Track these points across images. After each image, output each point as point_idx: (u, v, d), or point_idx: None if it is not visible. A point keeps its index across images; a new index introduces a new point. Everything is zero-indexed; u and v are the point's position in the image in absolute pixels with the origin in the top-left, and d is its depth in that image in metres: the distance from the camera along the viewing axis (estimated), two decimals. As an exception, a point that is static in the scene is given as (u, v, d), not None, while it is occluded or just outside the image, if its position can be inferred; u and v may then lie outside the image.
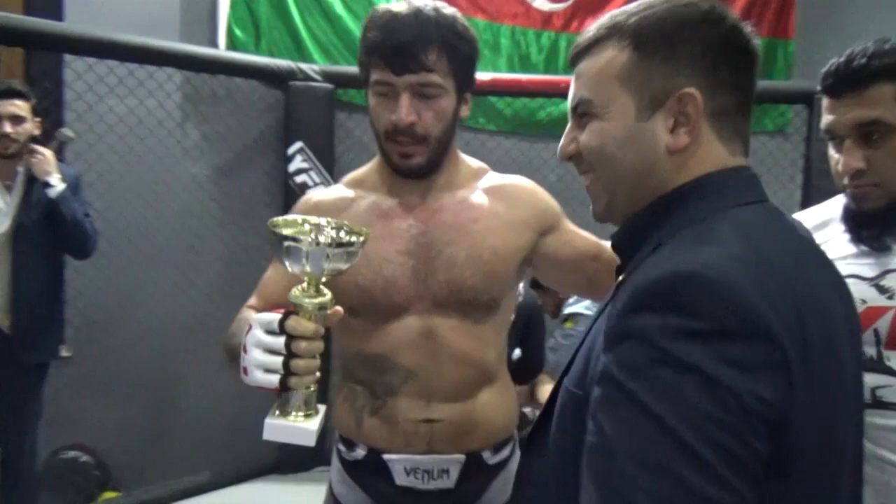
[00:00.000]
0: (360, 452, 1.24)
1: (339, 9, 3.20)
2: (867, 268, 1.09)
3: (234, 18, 3.12)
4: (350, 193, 1.25)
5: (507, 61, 3.46)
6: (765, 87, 3.66)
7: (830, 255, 0.85)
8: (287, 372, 0.92)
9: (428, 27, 1.09)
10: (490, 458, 1.24)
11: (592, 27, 0.81)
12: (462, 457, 1.20)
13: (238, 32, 3.14)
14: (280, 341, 0.92)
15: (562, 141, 0.84)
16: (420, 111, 1.11)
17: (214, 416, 3.04)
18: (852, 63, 1.05)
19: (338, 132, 3.14)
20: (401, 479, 1.20)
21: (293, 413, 0.96)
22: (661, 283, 0.64)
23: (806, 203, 2.93)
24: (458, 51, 1.12)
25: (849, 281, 0.81)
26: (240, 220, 3.15)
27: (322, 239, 0.96)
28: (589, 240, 1.30)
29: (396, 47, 1.08)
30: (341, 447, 1.27)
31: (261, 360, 0.93)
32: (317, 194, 1.30)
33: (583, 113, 0.80)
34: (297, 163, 3.05)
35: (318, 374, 0.96)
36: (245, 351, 0.95)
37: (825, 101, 1.10)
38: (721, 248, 0.66)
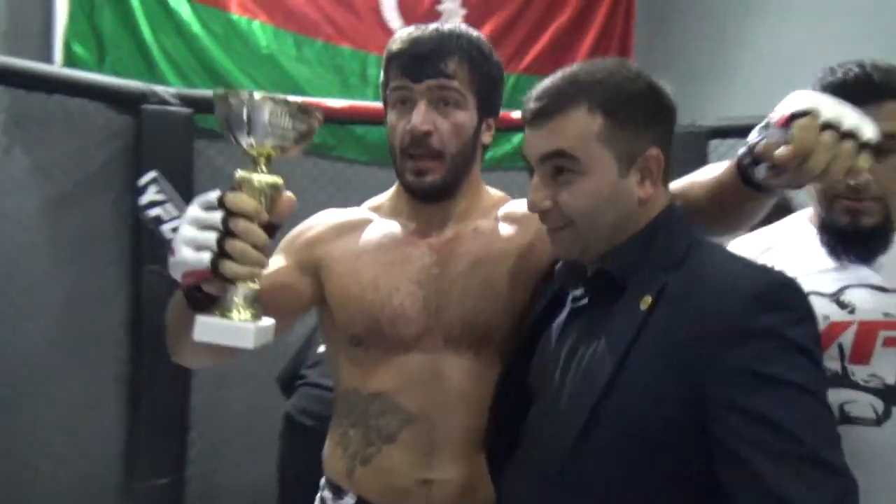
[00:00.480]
0: (348, 501, 1.13)
1: (196, 27, 2.96)
2: (827, 284, 1.12)
3: (72, 33, 2.77)
4: (368, 216, 1.19)
5: (374, 90, 3.39)
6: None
7: (803, 267, 1.11)
8: (221, 253, 0.80)
9: (450, 38, 1.08)
10: None
11: (549, 87, 0.93)
12: None
13: (77, 49, 2.79)
14: (216, 216, 0.81)
15: (534, 195, 0.94)
16: (437, 122, 1.07)
17: (53, 476, 2.64)
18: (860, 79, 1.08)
19: (197, 161, 2.89)
20: None
21: (231, 311, 0.84)
22: (770, 292, 0.83)
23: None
24: (481, 66, 1.10)
25: (810, 297, 0.89)
26: (79, 260, 2.80)
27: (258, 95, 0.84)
28: None
29: (416, 54, 1.06)
30: (327, 494, 1.16)
31: (191, 236, 0.82)
32: (335, 211, 1.23)
33: (562, 168, 0.91)
34: (150, 195, 2.73)
35: (262, 270, 0.84)
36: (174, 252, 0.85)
37: None
38: (752, 262, 0.94)
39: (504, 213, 1.20)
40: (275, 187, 0.86)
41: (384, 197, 1.23)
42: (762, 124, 0.92)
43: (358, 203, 1.91)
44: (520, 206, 1.19)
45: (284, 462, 2.17)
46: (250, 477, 3.12)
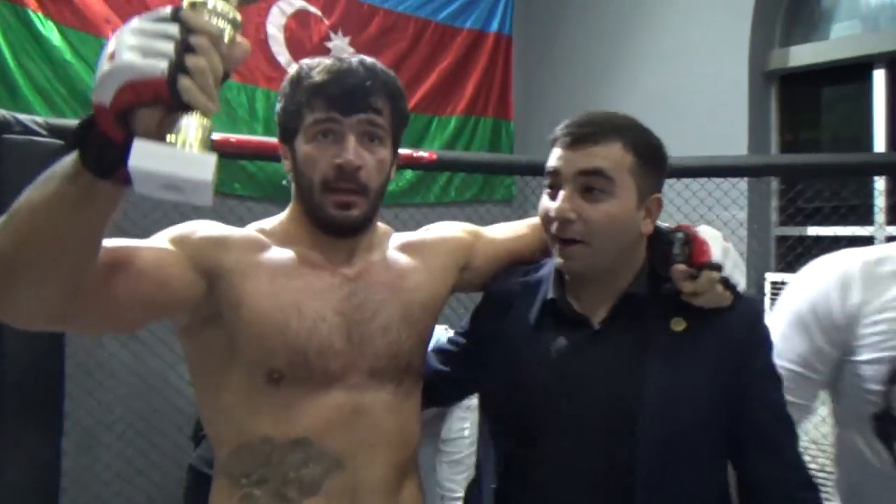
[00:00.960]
0: None
1: (67, 54, 2.73)
2: None
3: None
4: (263, 238, 1.07)
5: (263, 125, 3.28)
6: (508, 160, 4.02)
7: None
8: (179, 68, 0.65)
9: (377, 74, 1.05)
10: None
11: (591, 118, 1.06)
12: None
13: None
14: (172, 27, 0.66)
15: (562, 205, 1.02)
16: (364, 157, 1.03)
17: None
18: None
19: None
20: None
21: (185, 141, 0.67)
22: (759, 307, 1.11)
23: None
24: (400, 104, 1.08)
25: None
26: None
27: None
28: (513, 238, 1.28)
29: (346, 88, 1.01)
30: None
31: (139, 43, 0.65)
32: (223, 225, 1.07)
33: (593, 187, 1.02)
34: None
35: (214, 108, 0.68)
36: (111, 57, 0.66)
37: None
38: None
39: (400, 244, 1.19)
40: (235, 22, 0.71)
41: (273, 223, 1.12)
42: (681, 239, 1.07)
43: None
44: (406, 237, 1.22)
45: None
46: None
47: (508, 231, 1.29)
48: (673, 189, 2.74)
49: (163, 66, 0.64)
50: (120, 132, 0.68)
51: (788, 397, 1.09)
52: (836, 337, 1.10)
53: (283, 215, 1.13)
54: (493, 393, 1.15)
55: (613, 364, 1.03)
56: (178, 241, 0.99)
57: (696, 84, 3.80)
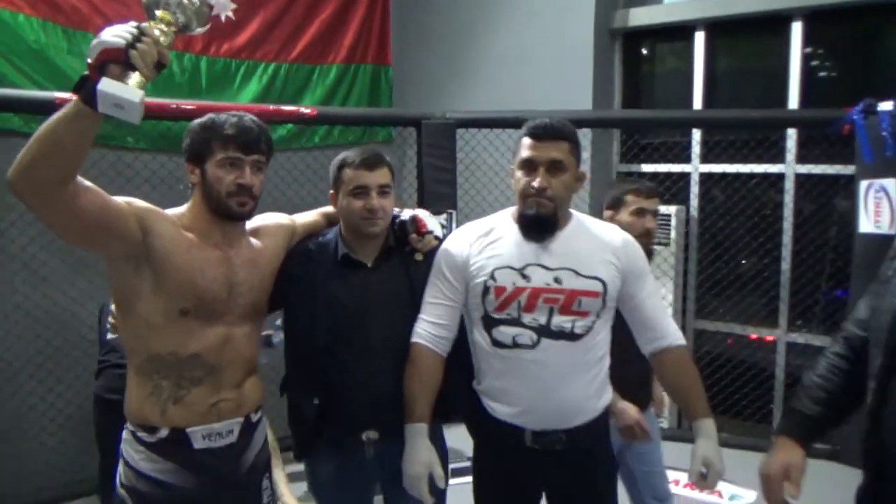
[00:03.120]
0: (163, 433, 1.61)
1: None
2: (517, 261, 1.73)
3: None
4: (175, 220, 1.63)
5: (151, 83, 3.52)
6: (384, 114, 4.42)
7: (506, 252, 1.75)
8: (131, 45, 1.27)
9: (262, 129, 1.70)
10: (254, 418, 1.76)
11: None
12: (241, 419, 1.70)
13: None
14: (134, 29, 1.30)
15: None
16: (254, 180, 1.67)
17: None
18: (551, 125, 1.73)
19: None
20: (199, 444, 1.63)
21: (129, 83, 1.27)
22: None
23: (422, 200, 3.72)
24: (270, 146, 1.73)
25: (505, 269, 1.65)
26: None
27: None
28: (312, 221, 1.96)
29: (250, 139, 1.66)
30: (142, 435, 1.60)
31: (115, 32, 1.28)
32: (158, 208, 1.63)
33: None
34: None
35: (151, 72, 1.31)
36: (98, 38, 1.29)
37: (528, 141, 1.72)
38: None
39: (251, 230, 1.78)
40: (168, 34, 1.35)
41: (178, 213, 1.67)
42: (412, 220, 1.92)
43: (139, 190, 2.32)
44: (252, 224, 1.79)
45: (101, 434, 2.48)
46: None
47: (310, 216, 1.98)
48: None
49: (123, 42, 1.27)
50: (97, 77, 1.27)
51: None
52: (459, 276, 1.79)
53: (185, 209, 1.69)
54: (299, 315, 1.82)
55: (385, 284, 1.81)
56: (130, 203, 1.58)
57: (547, 41, 4.29)
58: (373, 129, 4.54)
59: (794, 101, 3.88)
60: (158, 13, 1.36)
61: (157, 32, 1.33)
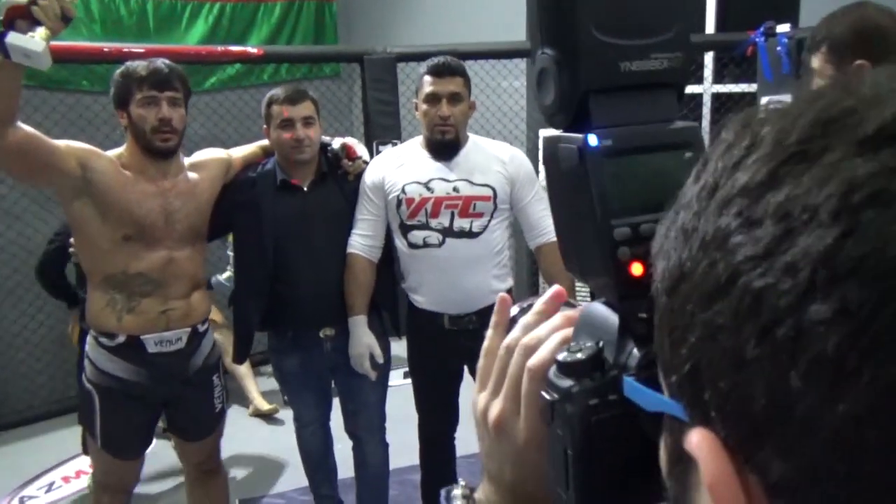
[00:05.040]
0: (120, 339, 1.91)
1: None
2: (423, 176, 2.07)
3: None
4: (115, 160, 1.87)
5: (101, 27, 3.68)
6: (327, 51, 4.60)
7: (414, 170, 2.04)
8: (33, 2, 1.50)
9: (173, 69, 1.85)
10: (200, 328, 2.03)
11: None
12: (188, 329, 1.97)
13: None
14: None
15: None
16: (173, 114, 1.88)
17: None
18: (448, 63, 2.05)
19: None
20: (152, 349, 1.92)
21: (34, 35, 1.49)
22: None
23: (369, 134, 3.98)
24: (186, 83, 1.88)
25: (414, 184, 1.99)
26: None
27: None
28: (251, 153, 2.20)
29: (161, 77, 1.88)
30: (103, 340, 1.90)
31: None
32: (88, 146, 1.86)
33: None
34: None
35: (56, 24, 1.54)
36: None
37: (429, 79, 2.04)
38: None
39: (189, 165, 2.00)
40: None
41: (117, 153, 1.90)
42: (342, 146, 2.21)
43: (100, 131, 2.68)
44: (192, 159, 2.03)
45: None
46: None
47: (248, 149, 2.22)
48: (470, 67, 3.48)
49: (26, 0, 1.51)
50: (10, 26, 1.52)
51: None
52: (379, 194, 2.10)
53: (122, 149, 1.92)
54: (248, 235, 2.11)
55: (322, 204, 2.12)
56: (69, 144, 1.83)
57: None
58: (319, 65, 4.72)
59: (710, 27, 4.19)
60: None
61: None
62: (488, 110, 4.11)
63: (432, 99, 2.04)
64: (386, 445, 2.32)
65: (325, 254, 2.12)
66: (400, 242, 2.13)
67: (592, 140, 0.37)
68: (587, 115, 0.38)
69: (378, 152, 3.61)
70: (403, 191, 2.07)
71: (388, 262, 2.20)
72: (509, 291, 2.17)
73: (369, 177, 2.13)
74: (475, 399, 0.46)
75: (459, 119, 2.05)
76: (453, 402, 2.24)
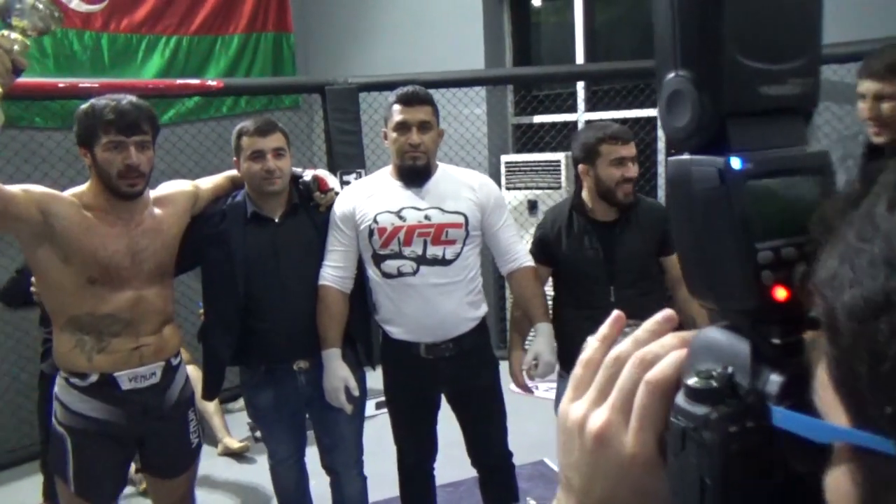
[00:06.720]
0: (92, 378, 1.86)
1: None
2: (394, 205, 2.07)
3: None
4: (77, 201, 1.81)
5: (54, 62, 3.61)
6: (288, 82, 4.59)
7: (384, 200, 2.04)
8: None
9: (141, 109, 1.79)
10: (174, 362, 1.99)
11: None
12: (162, 363, 1.94)
13: None
14: None
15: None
16: (141, 158, 1.78)
17: None
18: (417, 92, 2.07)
19: None
20: (126, 385, 1.87)
21: None
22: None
23: (332, 161, 3.97)
24: (155, 122, 1.83)
25: (385, 214, 1.99)
26: None
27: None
28: (218, 185, 2.16)
29: (129, 121, 1.75)
30: (74, 380, 1.85)
31: None
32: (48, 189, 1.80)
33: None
34: None
35: (7, 79, 1.55)
36: None
37: (398, 107, 2.04)
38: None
39: (154, 199, 1.95)
40: (23, 44, 1.55)
41: (79, 192, 1.84)
42: (314, 179, 2.21)
43: (55, 168, 2.70)
44: (156, 193, 1.98)
45: (45, 409, 2.68)
46: None
47: (216, 179, 2.18)
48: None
49: None
50: None
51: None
52: (350, 225, 2.10)
53: (84, 188, 1.86)
54: (217, 269, 2.07)
55: (292, 236, 2.09)
56: (27, 190, 1.77)
57: (440, 4, 4.55)
58: (279, 96, 4.71)
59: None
60: (13, 21, 1.50)
61: (12, 39, 1.50)
62: (451, 137, 4.13)
63: (402, 127, 2.05)
64: (364, 479, 2.27)
65: (296, 286, 2.09)
66: (373, 273, 2.11)
67: (735, 163, 0.37)
68: (724, 138, 0.38)
69: (343, 182, 3.62)
70: (375, 220, 2.06)
71: (361, 293, 2.17)
72: (483, 318, 2.17)
73: (339, 208, 2.11)
74: (566, 408, 0.43)
75: (430, 146, 2.06)
76: (432, 431, 2.21)
